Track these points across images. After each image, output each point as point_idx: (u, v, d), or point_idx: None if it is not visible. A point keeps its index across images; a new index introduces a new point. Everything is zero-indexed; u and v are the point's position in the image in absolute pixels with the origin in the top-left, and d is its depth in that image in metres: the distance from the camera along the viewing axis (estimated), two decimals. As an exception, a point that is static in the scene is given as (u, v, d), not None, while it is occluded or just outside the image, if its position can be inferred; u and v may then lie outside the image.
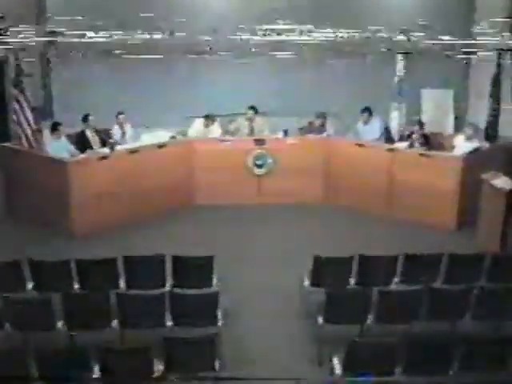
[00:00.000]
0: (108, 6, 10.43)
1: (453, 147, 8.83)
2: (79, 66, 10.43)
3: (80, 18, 9.79)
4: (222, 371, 4.86)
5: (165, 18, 10.25)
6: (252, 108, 9.50)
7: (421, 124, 9.07)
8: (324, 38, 9.59)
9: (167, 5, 10.82)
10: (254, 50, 9.93)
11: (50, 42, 9.49)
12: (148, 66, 10.70)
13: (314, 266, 6.00)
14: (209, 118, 9.53)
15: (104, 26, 9.58)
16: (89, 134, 8.88)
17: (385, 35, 9.59)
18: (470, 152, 8.41)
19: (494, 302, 5.53)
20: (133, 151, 8.55)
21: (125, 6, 10.54)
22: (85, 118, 8.89)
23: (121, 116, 9.20)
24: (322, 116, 9.61)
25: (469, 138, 8.75)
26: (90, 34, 9.34)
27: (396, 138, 9.36)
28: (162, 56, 9.99)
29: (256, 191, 9.21)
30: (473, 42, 9.67)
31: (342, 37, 9.60)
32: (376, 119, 9.53)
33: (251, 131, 9.54)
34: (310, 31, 9.58)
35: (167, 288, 5.87)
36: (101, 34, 9.34)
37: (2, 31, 8.33)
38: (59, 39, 9.36)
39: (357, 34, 9.66)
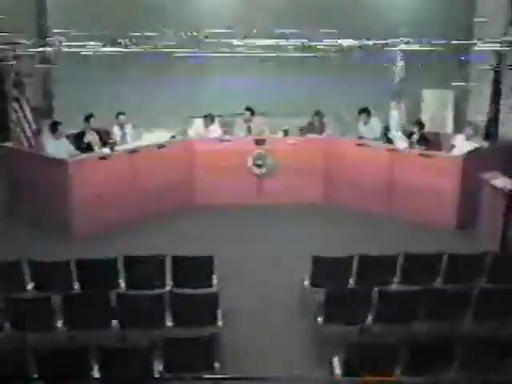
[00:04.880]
0: (109, 11, 10.43)
1: (453, 147, 8.84)
2: (79, 66, 10.44)
3: (81, 25, 9.82)
4: (221, 371, 4.86)
5: (165, 19, 10.31)
6: (248, 109, 9.52)
7: (420, 124, 9.08)
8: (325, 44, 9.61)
9: (168, 8, 10.83)
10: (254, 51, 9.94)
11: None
12: (148, 66, 10.71)
13: (313, 266, 6.01)
14: (208, 118, 9.53)
15: (105, 30, 9.62)
16: (89, 134, 8.88)
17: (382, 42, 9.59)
18: (470, 152, 8.41)
19: (493, 302, 5.53)
20: (133, 151, 8.54)
21: (126, 11, 10.54)
22: (87, 118, 8.89)
23: (121, 116, 9.20)
24: (319, 114, 9.62)
25: (469, 138, 8.76)
26: (91, 43, 9.34)
27: (396, 137, 9.36)
28: (162, 56, 10.02)
29: (256, 191, 9.21)
30: (473, 42, 9.69)
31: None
32: (376, 119, 9.53)
33: (249, 131, 9.55)
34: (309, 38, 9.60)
35: (167, 288, 5.87)
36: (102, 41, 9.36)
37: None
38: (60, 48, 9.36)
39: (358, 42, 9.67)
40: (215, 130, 9.60)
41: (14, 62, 8.44)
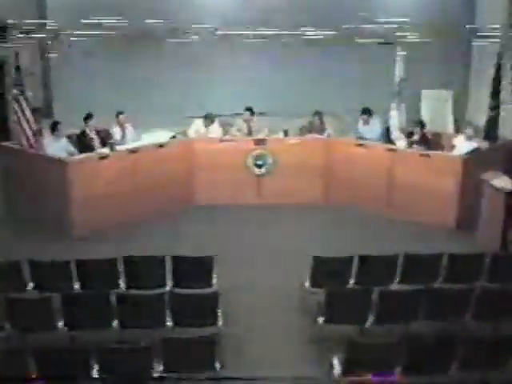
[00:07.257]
0: (107, 7, 10.45)
1: (453, 147, 8.83)
2: (80, 65, 10.45)
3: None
4: (222, 371, 4.86)
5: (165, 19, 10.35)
6: (248, 109, 9.52)
7: (422, 124, 9.07)
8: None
9: (167, 6, 10.84)
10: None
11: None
12: (148, 66, 10.73)
13: (313, 266, 6.01)
14: (208, 118, 9.53)
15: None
16: (89, 134, 8.87)
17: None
18: (470, 152, 8.41)
19: (493, 302, 5.53)
20: (133, 151, 8.54)
21: (124, 9, 10.55)
22: (87, 118, 8.89)
23: (121, 116, 9.19)
24: (318, 114, 9.61)
25: (469, 138, 8.76)
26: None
27: (396, 138, 9.35)
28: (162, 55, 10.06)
29: (256, 191, 9.21)
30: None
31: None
32: (376, 119, 9.53)
33: (249, 132, 9.55)
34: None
35: (167, 288, 5.87)
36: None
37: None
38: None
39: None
40: (215, 130, 9.59)
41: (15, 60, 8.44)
